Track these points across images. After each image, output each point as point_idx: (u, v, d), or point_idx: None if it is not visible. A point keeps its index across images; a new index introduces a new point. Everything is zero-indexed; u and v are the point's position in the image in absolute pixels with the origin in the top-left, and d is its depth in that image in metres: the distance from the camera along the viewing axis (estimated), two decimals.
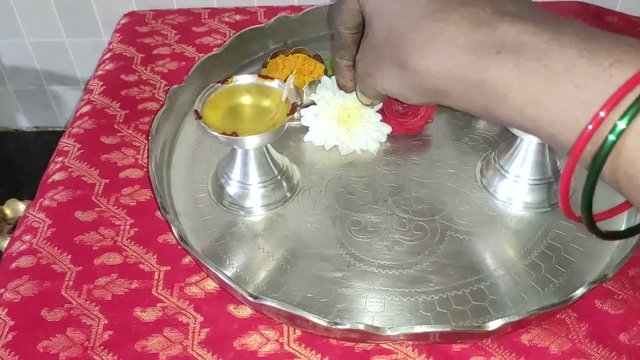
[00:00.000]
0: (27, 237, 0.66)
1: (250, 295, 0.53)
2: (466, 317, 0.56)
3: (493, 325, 0.50)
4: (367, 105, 0.66)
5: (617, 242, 0.62)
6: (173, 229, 0.59)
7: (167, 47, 0.92)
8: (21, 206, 0.99)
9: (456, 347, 0.55)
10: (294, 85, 0.70)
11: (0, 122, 1.31)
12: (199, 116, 0.61)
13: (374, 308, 0.57)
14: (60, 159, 0.75)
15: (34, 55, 1.17)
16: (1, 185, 1.20)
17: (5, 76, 1.21)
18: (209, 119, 0.62)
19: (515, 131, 0.62)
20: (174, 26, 0.96)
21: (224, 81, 0.65)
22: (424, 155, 0.72)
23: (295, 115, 0.73)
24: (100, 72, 0.89)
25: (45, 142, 1.24)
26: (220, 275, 0.54)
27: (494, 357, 0.54)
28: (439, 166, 0.71)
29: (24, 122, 1.31)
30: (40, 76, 1.20)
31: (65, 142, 0.77)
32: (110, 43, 0.96)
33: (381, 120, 0.71)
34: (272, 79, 0.65)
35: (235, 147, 0.63)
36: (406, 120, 0.71)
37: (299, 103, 0.65)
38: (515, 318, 0.50)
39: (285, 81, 0.64)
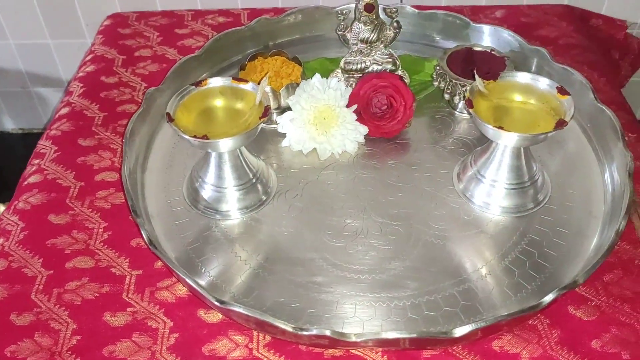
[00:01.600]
0: None
1: (218, 301, 0.52)
2: (437, 323, 0.56)
3: (460, 331, 0.50)
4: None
5: (591, 247, 0.61)
6: (142, 232, 0.58)
7: (148, 49, 0.92)
8: (1, 208, 0.99)
9: (426, 354, 0.54)
10: (270, 87, 0.70)
11: None
12: (170, 119, 0.61)
13: (346, 313, 0.57)
14: (36, 161, 0.74)
15: (18, 56, 1.16)
16: None
17: None
18: (182, 122, 0.61)
19: (490, 135, 0.61)
20: (156, 28, 0.96)
21: (198, 83, 0.64)
22: (402, 158, 0.72)
23: (275, 118, 0.73)
24: (80, 74, 0.88)
25: (30, 143, 1.23)
26: (188, 281, 0.54)
27: None
28: (416, 170, 0.70)
29: (9, 124, 1.30)
30: (25, 77, 1.20)
31: (42, 145, 0.77)
32: (92, 44, 0.95)
33: (359, 122, 0.71)
34: (247, 81, 0.65)
35: (209, 150, 0.63)
36: (383, 123, 0.71)
37: (273, 106, 0.64)
38: (482, 324, 0.50)
39: (259, 84, 0.63)
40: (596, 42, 0.95)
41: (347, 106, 0.71)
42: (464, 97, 0.66)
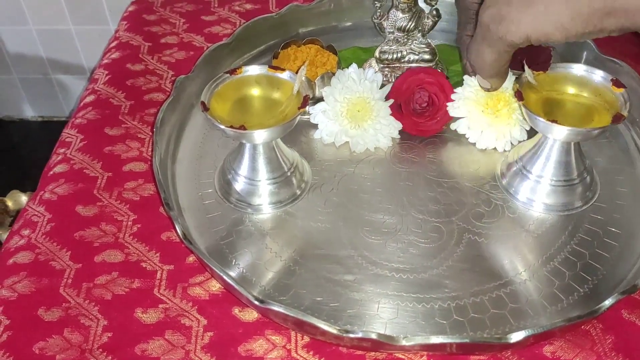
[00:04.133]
0: (25, 232, 0.63)
1: (257, 299, 0.50)
2: (485, 326, 0.53)
3: (515, 337, 0.47)
4: (487, 89, 0.62)
5: None
6: (176, 226, 0.56)
7: (175, 36, 0.89)
8: (23, 198, 0.97)
9: (474, 358, 0.52)
10: (306, 77, 0.67)
11: (6, 111, 1.29)
12: (205, 108, 0.58)
13: (387, 314, 0.54)
14: (62, 150, 0.72)
15: (39, 43, 1.14)
16: (5, 176, 1.18)
17: (11, 64, 1.19)
18: (216, 111, 0.59)
19: (541, 129, 0.58)
20: (182, 14, 0.93)
21: (232, 72, 0.62)
22: (440, 152, 0.69)
23: (307, 108, 0.70)
24: (105, 61, 0.86)
25: (50, 132, 1.22)
26: (224, 277, 0.52)
27: None
28: (456, 165, 0.67)
29: (29, 112, 1.29)
30: (46, 64, 1.18)
31: (67, 133, 0.75)
32: (116, 31, 0.93)
33: (396, 117, 0.68)
34: (283, 70, 0.62)
35: (244, 141, 0.60)
36: (422, 120, 0.68)
37: (310, 96, 0.61)
38: (539, 330, 0.47)
39: (297, 73, 0.61)
40: (637, 35, 0.91)
41: (387, 98, 0.68)
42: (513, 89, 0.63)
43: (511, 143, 0.67)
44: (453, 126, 0.69)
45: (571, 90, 0.60)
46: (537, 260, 0.58)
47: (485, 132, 0.67)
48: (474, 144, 0.68)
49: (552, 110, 0.59)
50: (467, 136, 0.68)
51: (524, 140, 0.66)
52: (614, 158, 0.68)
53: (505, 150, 0.67)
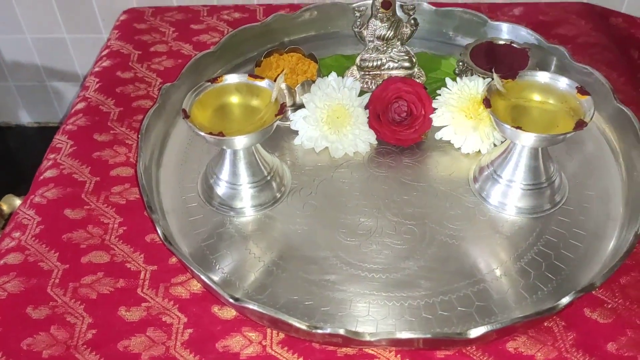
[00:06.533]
0: (16, 234, 0.66)
1: (232, 298, 0.52)
2: (451, 323, 0.55)
3: (475, 332, 0.49)
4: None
5: (609, 249, 0.61)
6: (157, 228, 0.58)
7: (164, 45, 0.92)
8: (18, 202, 0.99)
9: (440, 354, 0.54)
10: (286, 84, 0.70)
11: (3, 118, 1.31)
12: (186, 115, 0.61)
13: (359, 312, 0.57)
14: (52, 155, 0.75)
15: (34, 50, 1.17)
16: (1, 180, 1.20)
17: (7, 71, 1.21)
18: (197, 119, 0.61)
19: (508, 135, 0.61)
20: (172, 23, 0.96)
21: (213, 80, 0.64)
22: (417, 157, 0.71)
23: (288, 115, 0.73)
24: (97, 69, 0.89)
25: (46, 137, 1.24)
26: (203, 277, 0.54)
27: None
28: (431, 169, 0.70)
29: (25, 118, 1.31)
30: (41, 72, 1.21)
31: (58, 139, 0.77)
32: (108, 40, 0.96)
33: (375, 126, 0.70)
34: (262, 78, 0.64)
35: (224, 147, 0.63)
36: (400, 130, 0.70)
37: (288, 103, 0.64)
38: (497, 326, 0.50)
39: (275, 81, 0.63)
40: (615, 41, 0.94)
41: (366, 107, 0.70)
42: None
43: (494, 144, 0.69)
44: (437, 135, 0.71)
45: (537, 97, 0.63)
46: (505, 261, 0.60)
47: (471, 136, 0.69)
48: (458, 149, 0.71)
49: (520, 117, 0.61)
50: (452, 142, 0.71)
51: (503, 142, 0.68)
52: (583, 163, 0.70)
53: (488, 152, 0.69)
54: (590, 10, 0.98)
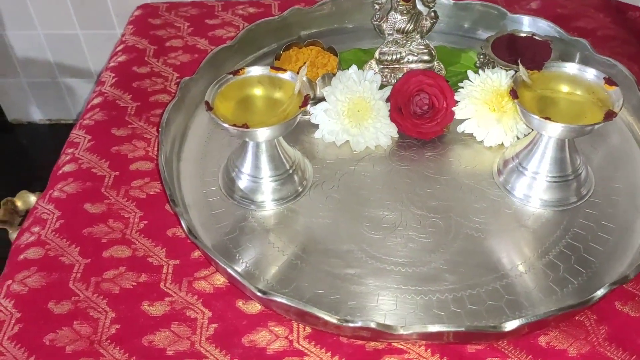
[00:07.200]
0: (35, 229, 0.65)
1: (260, 291, 0.52)
2: (481, 317, 0.54)
3: (510, 326, 0.49)
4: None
5: (639, 242, 0.60)
6: (182, 222, 0.58)
7: (179, 40, 0.91)
8: (32, 198, 0.98)
9: (471, 348, 0.53)
10: (307, 77, 0.69)
11: (14, 115, 1.31)
12: (209, 107, 0.60)
13: (386, 306, 0.56)
14: (70, 150, 0.74)
15: (47, 47, 1.16)
16: (14, 177, 1.20)
17: (19, 68, 1.21)
18: (220, 111, 0.61)
19: (535, 126, 0.60)
20: (187, 18, 0.95)
21: (235, 72, 0.64)
22: (439, 150, 0.70)
23: (308, 109, 0.72)
24: (112, 64, 0.88)
25: (58, 135, 1.24)
26: (229, 270, 0.53)
27: (509, 359, 0.52)
28: (454, 162, 0.69)
29: (37, 115, 1.31)
30: (54, 68, 1.20)
31: (76, 134, 0.77)
32: (123, 35, 0.95)
33: (396, 119, 0.69)
34: (285, 70, 0.64)
35: (247, 139, 0.62)
36: (422, 122, 0.69)
37: (311, 95, 0.63)
38: (532, 319, 0.49)
39: (297, 73, 0.62)
40: (635, 35, 0.93)
41: (387, 99, 0.70)
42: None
43: (517, 137, 0.68)
44: (460, 128, 0.70)
45: (565, 88, 0.62)
46: (532, 254, 0.59)
47: (494, 128, 0.68)
48: (480, 142, 0.70)
49: (546, 108, 0.61)
50: (474, 135, 0.70)
51: (528, 134, 0.67)
52: (610, 155, 0.69)
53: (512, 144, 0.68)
54: (607, 4, 0.97)
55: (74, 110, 1.28)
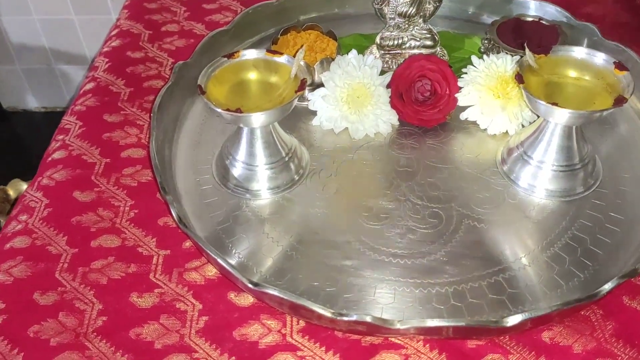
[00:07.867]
0: (23, 217, 0.63)
1: (251, 283, 0.50)
2: (482, 311, 0.52)
3: (512, 320, 0.46)
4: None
5: None
6: (172, 210, 0.55)
7: (175, 24, 0.89)
8: (24, 186, 0.97)
9: (471, 344, 0.51)
10: (304, 61, 0.66)
11: (10, 102, 1.29)
12: (202, 91, 0.58)
13: (384, 299, 0.54)
14: (61, 137, 0.72)
15: (42, 32, 1.14)
16: (8, 165, 1.18)
17: (14, 54, 1.19)
18: (213, 95, 0.58)
19: (542, 112, 0.57)
20: (183, 3, 0.93)
21: (230, 55, 0.61)
22: (441, 138, 0.68)
23: (305, 95, 0.70)
24: (106, 49, 0.86)
25: (53, 122, 1.22)
26: (220, 261, 0.51)
27: (512, 356, 0.50)
28: (456, 151, 0.66)
29: (32, 102, 1.29)
30: (49, 54, 1.18)
31: (67, 120, 0.74)
32: (117, 19, 0.93)
33: (397, 106, 0.67)
34: (281, 54, 0.61)
35: (241, 125, 0.60)
36: (423, 109, 0.67)
37: (308, 80, 0.61)
38: (536, 314, 0.46)
39: (294, 57, 0.60)
40: None
41: (388, 86, 0.67)
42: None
43: (522, 125, 0.66)
44: (463, 116, 0.67)
45: (572, 73, 0.59)
46: (537, 245, 0.57)
47: (498, 116, 0.66)
48: (483, 131, 0.67)
49: (553, 94, 0.58)
50: (478, 122, 0.67)
51: (534, 122, 0.65)
52: (618, 144, 0.67)
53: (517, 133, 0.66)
54: None
55: (69, 97, 1.26)
